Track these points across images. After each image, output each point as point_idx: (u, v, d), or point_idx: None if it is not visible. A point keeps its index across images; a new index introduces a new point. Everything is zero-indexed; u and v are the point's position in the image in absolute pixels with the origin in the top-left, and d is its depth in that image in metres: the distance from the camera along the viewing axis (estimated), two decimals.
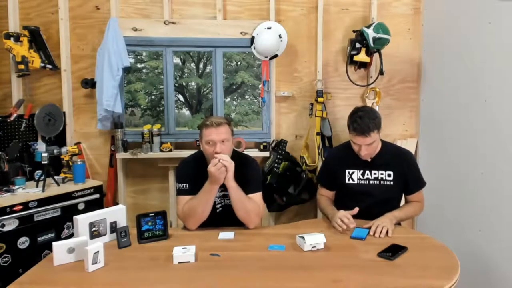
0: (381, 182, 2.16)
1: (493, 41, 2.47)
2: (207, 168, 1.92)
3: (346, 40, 3.03)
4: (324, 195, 2.32)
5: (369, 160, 2.14)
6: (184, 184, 2.05)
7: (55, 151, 2.80)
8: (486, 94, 2.51)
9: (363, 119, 2.02)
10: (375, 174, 2.17)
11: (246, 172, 2.08)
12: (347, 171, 2.20)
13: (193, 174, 2.04)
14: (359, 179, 2.19)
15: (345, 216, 1.96)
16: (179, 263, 1.64)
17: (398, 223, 2.12)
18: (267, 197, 2.87)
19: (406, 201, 2.26)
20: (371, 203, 2.13)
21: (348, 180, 2.20)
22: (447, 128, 2.82)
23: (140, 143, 2.98)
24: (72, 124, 3.10)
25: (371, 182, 2.17)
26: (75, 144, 3.06)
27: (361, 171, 2.18)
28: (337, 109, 3.11)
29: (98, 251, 1.59)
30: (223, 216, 2.08)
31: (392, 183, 2.15)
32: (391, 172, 2.15)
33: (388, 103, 3.11)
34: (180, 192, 2.06)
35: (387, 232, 1.91)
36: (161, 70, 3.02)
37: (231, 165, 1.93)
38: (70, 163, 2.83)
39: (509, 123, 2.39)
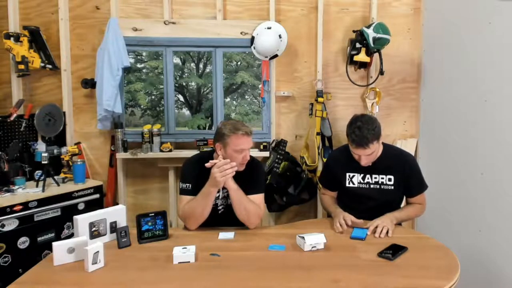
0: (381, 186, 2.15)
1: (493, 41, 2.47)
2: (211, 170, 1.90)
3: (346, 40, 3.03)
4: (327, 194, 2.33)
5: (370, 164, 2.13)
6: (188, 184, 2.04)
7: (55, 151, 2.81)
8: (486, 94, 2.51)
9: (362, 130, 1.98)
10: (375, 178, 2.15)
11: (251, 173, 2.07)
12: (347, 174, 2.19)
13: (197, 174, 2.03)
14: (360, 182, 2.17)
15: (346, 220, 1.98)
16: (179, 263, 1.64)
17: (399, 224, 2.12)
18: (267, 197, 2.87)
19: (408, 203, 2.25)
20: (372, 206, 2.13)
21: (349, 183, 2.19)
22: (447, 128, 2.82)
23: (140, 143, 2.99)
24: (72, 124, 3.10)
25: (371, 186, 2.16)
26: (75, 144, 3.06)
27: (362, 175, 2.17)
28: (337, 109, 3.10)
29: (98, 251, 1.59)
30: (225, 217, 2.07)
31: (392, 187, 2.14)
32: (391, 177, 2.13)
33: (388, 103, 3.11)
34: (182, 191, 2.05)
35: (387, 232, 1.91)
36: (161, 70, 3.02)
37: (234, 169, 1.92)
38: (70, 163, 2.84)
39: (509, 123, 2.39)
